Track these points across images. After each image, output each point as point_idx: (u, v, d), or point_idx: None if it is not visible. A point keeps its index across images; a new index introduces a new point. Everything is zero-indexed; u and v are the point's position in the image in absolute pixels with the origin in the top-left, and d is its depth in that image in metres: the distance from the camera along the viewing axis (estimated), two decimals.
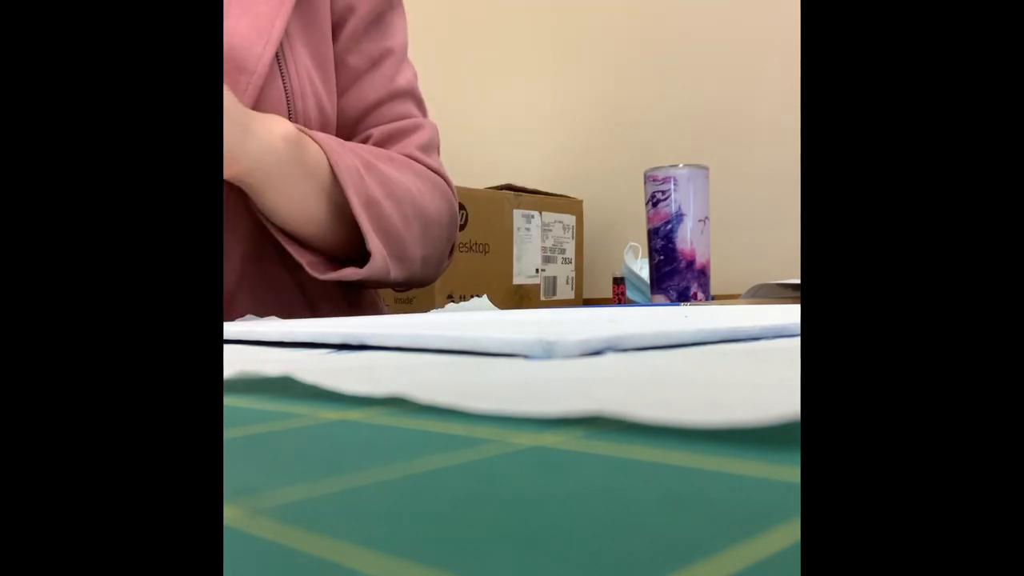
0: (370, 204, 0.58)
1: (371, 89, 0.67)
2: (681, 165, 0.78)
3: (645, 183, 0.82)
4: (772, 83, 1.19)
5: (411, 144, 0.67)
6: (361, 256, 0.60)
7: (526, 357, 0.22)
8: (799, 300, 0.53)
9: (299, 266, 0.59)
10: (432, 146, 0.70)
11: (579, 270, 1.38)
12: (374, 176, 0.59)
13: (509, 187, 1.28)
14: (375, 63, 0.68)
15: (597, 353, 0.23)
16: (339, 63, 0.66)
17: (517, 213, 1.25)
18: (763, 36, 1.21)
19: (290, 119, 0.59)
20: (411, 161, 0.66)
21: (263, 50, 0.57)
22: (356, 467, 0.12)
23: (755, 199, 1.21)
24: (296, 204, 0.56)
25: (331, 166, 0.57)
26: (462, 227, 1.15)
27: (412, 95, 0.70)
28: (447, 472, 0.12)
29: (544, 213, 1.30)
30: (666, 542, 0.09)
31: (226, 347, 0.30)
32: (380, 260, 0.57)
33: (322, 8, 0.64)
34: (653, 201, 0.80)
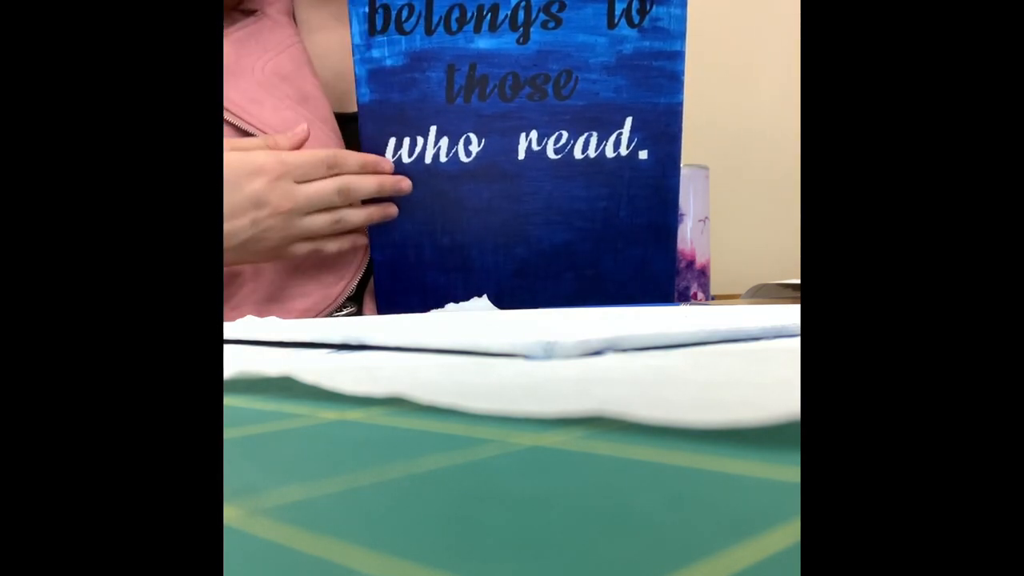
0: None
1: None
2: (681, 165, 0.78)
3: None
4: (772, 84, 1.19)
5: None
6: None
7: (526, 357, 0.22)
8: (799, 300, 0.53)
9: None
10: None
11: None
12: None
13: None
14: None
15: (597, 353, 0.23)
16: None
17: None
18: (763, 36, 1.21)
19: None
20: None
21: None
22: (356, 467, 0.12)
23: (755, 199, 1.21)
24: None
25: None
26: None
27: None
28: (447, 472, 0.12)
29: None
30: (666, 542, 0.09)
31: (226, 347, 0.30)
32: None
33: None
34: None
